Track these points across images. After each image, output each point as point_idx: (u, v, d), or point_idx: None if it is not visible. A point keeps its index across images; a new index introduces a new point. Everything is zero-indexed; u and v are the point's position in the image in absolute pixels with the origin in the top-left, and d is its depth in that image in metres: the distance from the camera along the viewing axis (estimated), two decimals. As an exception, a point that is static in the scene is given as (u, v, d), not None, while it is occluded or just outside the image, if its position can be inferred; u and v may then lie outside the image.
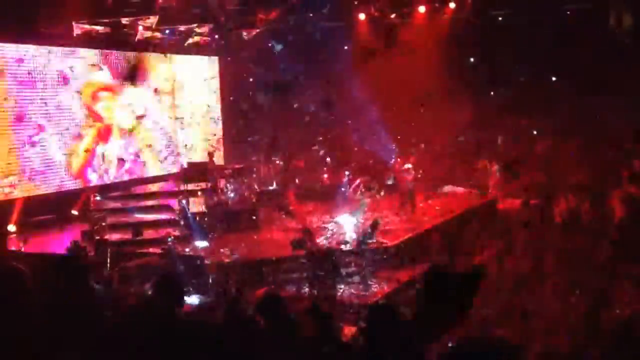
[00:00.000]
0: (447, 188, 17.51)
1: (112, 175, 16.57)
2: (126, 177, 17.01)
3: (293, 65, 18.61)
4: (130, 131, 17.13)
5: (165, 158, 18.26)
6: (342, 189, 16.33)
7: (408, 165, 15.53)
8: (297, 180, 17.67)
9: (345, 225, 12.85)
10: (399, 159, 16.15)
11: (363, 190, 16.70)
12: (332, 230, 13.13)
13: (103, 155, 16.29)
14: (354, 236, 12.19)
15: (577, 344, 7.09)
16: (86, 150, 15.65)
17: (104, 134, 16.41)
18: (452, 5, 18.34)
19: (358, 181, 16.98)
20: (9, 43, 13.84)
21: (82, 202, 14.91)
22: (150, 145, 17.72)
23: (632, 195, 13.05)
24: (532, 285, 9.84)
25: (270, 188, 16.61)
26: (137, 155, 17.39)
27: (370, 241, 11.68)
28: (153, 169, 17.90)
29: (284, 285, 10.61)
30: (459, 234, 13.33)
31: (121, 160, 16.80)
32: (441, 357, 2.80)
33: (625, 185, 13.54)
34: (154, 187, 17.28)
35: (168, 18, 15.54)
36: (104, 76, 16.30)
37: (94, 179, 16.02)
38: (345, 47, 19.40)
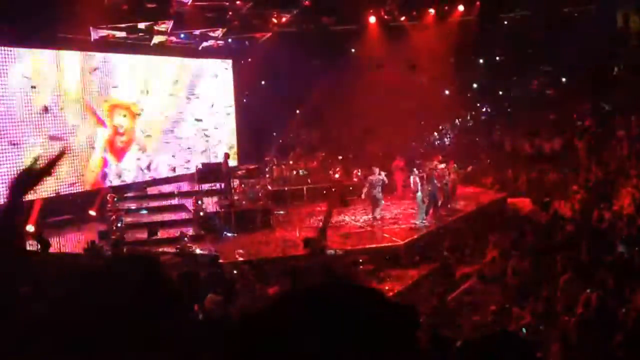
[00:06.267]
0: None
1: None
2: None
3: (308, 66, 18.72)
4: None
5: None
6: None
7: (441, 166, 15.10)
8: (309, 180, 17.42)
9: None
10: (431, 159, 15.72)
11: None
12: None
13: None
14: None
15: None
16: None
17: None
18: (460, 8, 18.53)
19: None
20: (28, 48, 14.17)
21: (100, 203, 15.16)
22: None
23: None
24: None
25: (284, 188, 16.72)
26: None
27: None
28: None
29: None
30: (467, 234, 13.47)
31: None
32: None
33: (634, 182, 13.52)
34: (169, 188, 17.61)
35: (183, 22, 15.81)
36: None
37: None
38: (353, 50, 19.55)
